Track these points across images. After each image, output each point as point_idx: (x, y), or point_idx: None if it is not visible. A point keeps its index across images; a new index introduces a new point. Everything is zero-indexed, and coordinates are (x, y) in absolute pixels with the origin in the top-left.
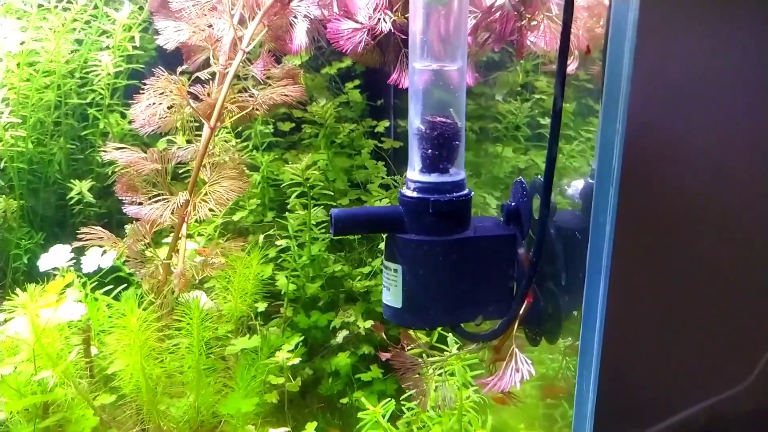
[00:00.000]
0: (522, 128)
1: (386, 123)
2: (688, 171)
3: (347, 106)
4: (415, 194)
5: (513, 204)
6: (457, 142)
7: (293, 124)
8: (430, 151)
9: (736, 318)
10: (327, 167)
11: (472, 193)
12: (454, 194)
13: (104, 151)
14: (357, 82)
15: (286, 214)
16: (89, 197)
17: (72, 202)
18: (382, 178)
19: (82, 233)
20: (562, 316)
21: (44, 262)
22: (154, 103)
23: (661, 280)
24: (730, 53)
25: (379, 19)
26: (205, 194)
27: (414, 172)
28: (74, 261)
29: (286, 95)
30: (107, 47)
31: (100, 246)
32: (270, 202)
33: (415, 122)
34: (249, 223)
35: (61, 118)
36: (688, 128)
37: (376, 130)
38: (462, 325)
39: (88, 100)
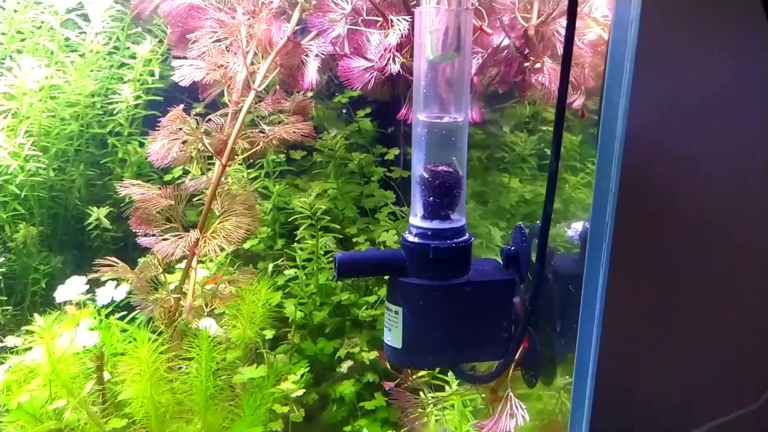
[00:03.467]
0: (528, 160)
1: (396, 151)
2: (682, 222)
3: (358, 134)
4: (416, 240)
5: (512, 249)
6: (458, 191)
7: (305, 152)
8: (432, 198)
9: (738, 350)
10: (336, 196)
11: (473, 238)
12: (454, 240)
13: (122, 187)
14: (368, 110)
15: (295, 244)
16: (106, 223)
17: (90, 227)
18: (390, 206)
19: (97, 265)
20: (557, 359)
21: (60, 294)
22: (169, 140)
23: (655, 323)
24: (725, 82)
25: (388, 60)
26: (215, 231)
27: (416, 218)
28: (90, 287)
29: (294, 132)
30: (129, 80)
31: (114, 279)
32: (281, 228)
33: (418, 170)
34: (260, 250)
35: (82, 146)
36: (684, 179)
37: (386, 158)
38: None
39: (108, 129)
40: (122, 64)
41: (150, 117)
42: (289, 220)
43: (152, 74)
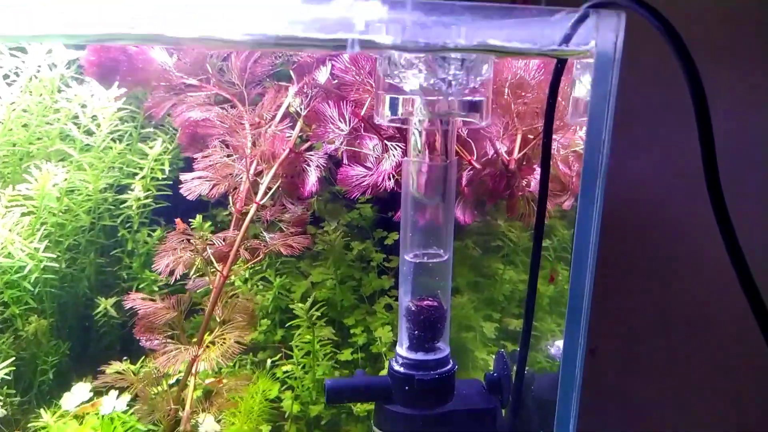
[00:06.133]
0: (521, 254)
1: (396, 236)
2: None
3: (360, 217)
4: (402, 369)
5: (495, 375)
6: (441, 324)
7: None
8: (416, 332)
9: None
10: (334, 288)
11: (456, 367)
12: (437, 371)
13: (128, 300)
14: (369, 196)
15: (292, 343)
16: (112, 311)
17: (98, 316)
18: (386, 297)
19: (99, 372)
20: None
21: (67, 402)
22: (174, 259)
23: None
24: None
25: (384, 178)
26: (214, 342)
27: (402, 348)
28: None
29: (292, 246)
30: (140, 178)
31: (117, 388)
32: (281, 316)
33: (404, 302)
34: (261, 341)
35: (93, 237)
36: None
37: (386, 242)
38: None
39: (119, 221)
40: (134, 162)
41: (160, 208)
42: (289, 317)
43: (163, 171)
